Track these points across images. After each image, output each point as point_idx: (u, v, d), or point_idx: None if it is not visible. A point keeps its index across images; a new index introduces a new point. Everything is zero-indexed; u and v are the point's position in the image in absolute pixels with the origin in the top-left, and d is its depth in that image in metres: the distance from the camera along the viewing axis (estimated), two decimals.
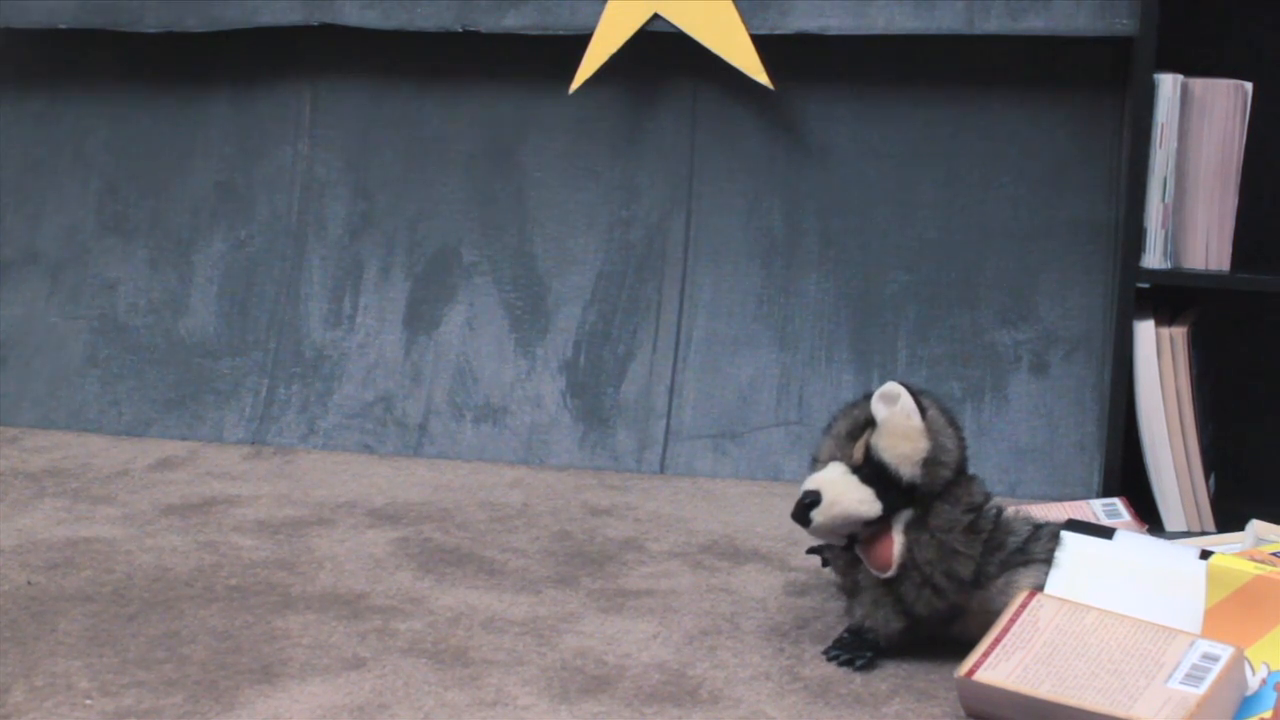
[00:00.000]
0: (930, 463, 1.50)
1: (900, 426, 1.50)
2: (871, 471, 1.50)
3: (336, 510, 1.99)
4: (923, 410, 1.51)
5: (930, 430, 1.50)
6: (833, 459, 1.53)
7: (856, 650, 1.52)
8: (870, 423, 1.52)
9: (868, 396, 1.54)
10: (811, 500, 1.51)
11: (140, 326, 2.40)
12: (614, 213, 2.31)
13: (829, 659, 1.53)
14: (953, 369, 2.19)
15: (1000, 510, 1.55)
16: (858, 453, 1.51)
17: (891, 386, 1.51)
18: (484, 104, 2.34)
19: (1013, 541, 1.52)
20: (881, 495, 1.50)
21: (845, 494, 1.51)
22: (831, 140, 2.25)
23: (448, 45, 2.31)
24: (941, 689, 1.46)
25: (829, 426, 1.57)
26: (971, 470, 1.57)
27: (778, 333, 2.25)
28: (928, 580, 1.50)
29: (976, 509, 1.52)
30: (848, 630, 1.55)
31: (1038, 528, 1.55)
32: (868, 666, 1.51)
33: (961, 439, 1.54)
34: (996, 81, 2.20)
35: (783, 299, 2.26)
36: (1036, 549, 1.52)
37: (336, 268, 2.37)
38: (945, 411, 1.54)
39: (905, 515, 1.52)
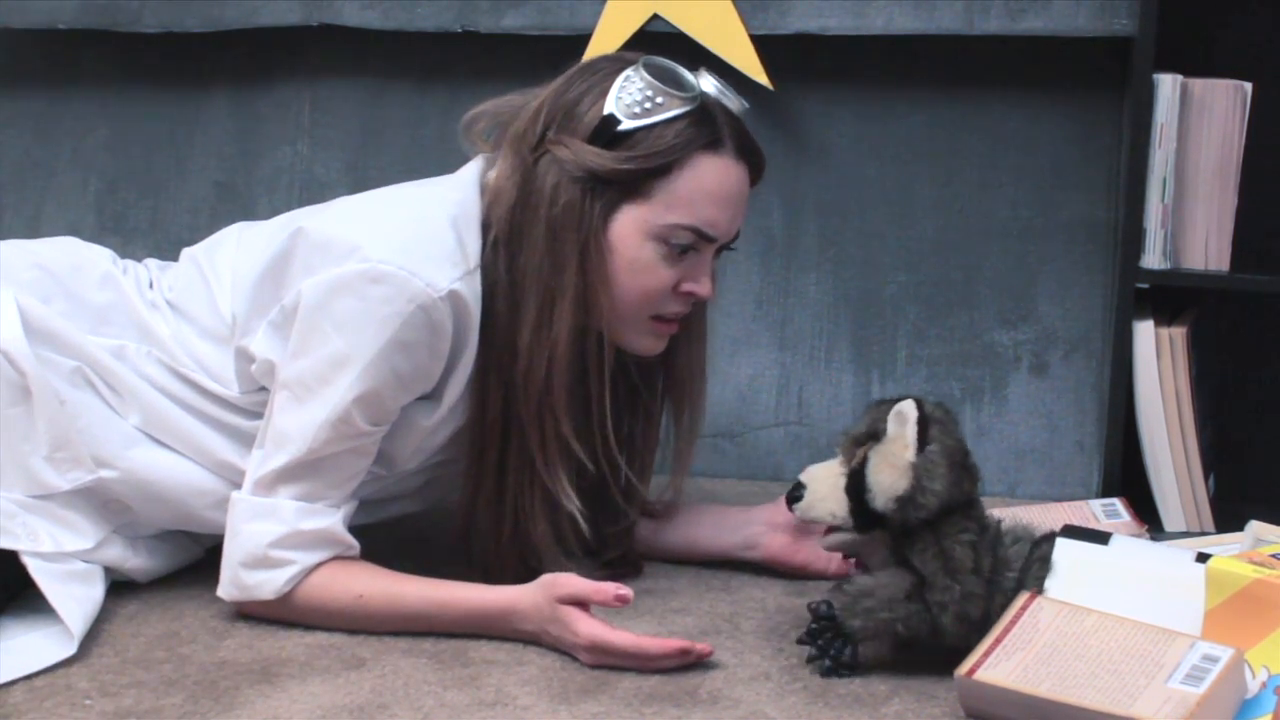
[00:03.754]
0: (904, 502, 1.46)
1: (892, 456, 1.47)
2: (854, 486, 1.49)
3: None
4: (925, 444, 1.47)
5: (918, 470, 1.46)
6: (843, 450, 1.53)
7: (832, 644, 1.50)
8: (884, 431, 1.49)
9: (904, 399, 1.50)
10: (796, 495, 1.54)
11: None
12: None
13: (809, 659, 1.51)
14: (952, 369, 2.19)
15: (998, 540, 1.50)
16: (856, 459, 1.50)
17: (907, 407, 1.47)
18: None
19: (1010, 579, 1.47)
20: (855, 512, 1.50)
21: (822, 502, 1.52)
22: (831, 140, 2.25)
23: (448, 45, 2.31)
24: (941, 689, 1.46)
25: (863, 413, 1.55)
26: None
27: (777, 333, 2.25)
28: (935, 621, 1.47)
29: (975, 545, 1.48)
30: (825, 615, 1.51)
31: (1033, 547, 1.50)
32: (846, 666, 1.50)
33: (961, 480, 1.48)
34: (996, 81, 2.20)
35: (782, 299, 2.26)
36: (1029, 580, 1.48)
37: None
38: (951, 451, 1.48)
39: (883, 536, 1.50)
